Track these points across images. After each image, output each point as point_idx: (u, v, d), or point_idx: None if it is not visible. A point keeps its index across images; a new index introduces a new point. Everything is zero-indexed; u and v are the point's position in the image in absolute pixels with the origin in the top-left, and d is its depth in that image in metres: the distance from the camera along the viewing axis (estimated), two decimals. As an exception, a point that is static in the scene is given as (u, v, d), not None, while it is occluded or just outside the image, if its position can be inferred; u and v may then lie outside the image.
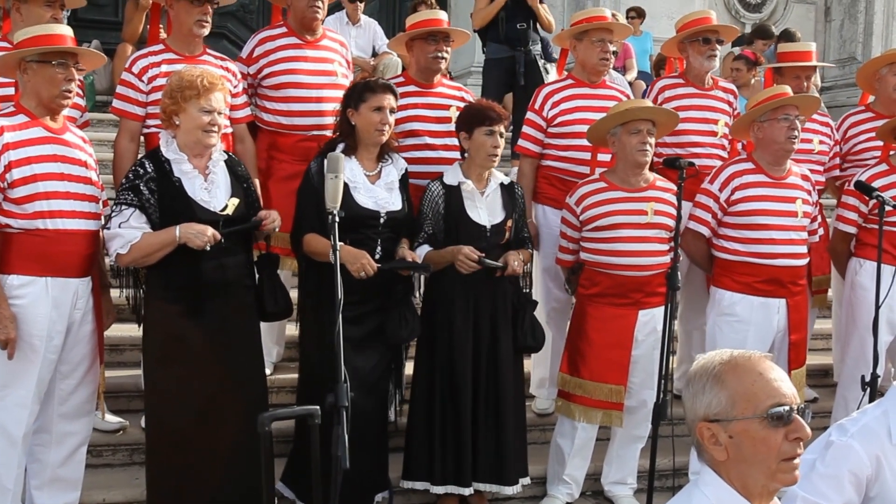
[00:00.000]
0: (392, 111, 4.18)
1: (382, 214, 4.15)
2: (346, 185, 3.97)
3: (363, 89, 4.17)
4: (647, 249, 4.50)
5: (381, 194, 4.17)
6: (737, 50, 8.89)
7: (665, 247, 4.56)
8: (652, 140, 4.51)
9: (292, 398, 4.69)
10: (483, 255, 4.23)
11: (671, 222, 4.54)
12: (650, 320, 4.56)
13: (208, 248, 3.74)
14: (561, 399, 4.68)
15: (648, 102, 4.65)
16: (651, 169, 5.43)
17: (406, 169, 4.37)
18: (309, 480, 4.08)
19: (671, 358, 4.30)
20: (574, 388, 4.61)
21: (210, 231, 3.74)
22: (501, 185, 4.48)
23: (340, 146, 4.18)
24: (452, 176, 4.42)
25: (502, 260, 4.30)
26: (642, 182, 4.57)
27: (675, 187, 4.63)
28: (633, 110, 4.52)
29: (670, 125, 4.75)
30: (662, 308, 4.54)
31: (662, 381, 4.16)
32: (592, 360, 4.55)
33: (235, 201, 3.92)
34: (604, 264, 4.54)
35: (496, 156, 4.37)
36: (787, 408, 1.97)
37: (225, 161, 4.01)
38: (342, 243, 3.96)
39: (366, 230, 4.05)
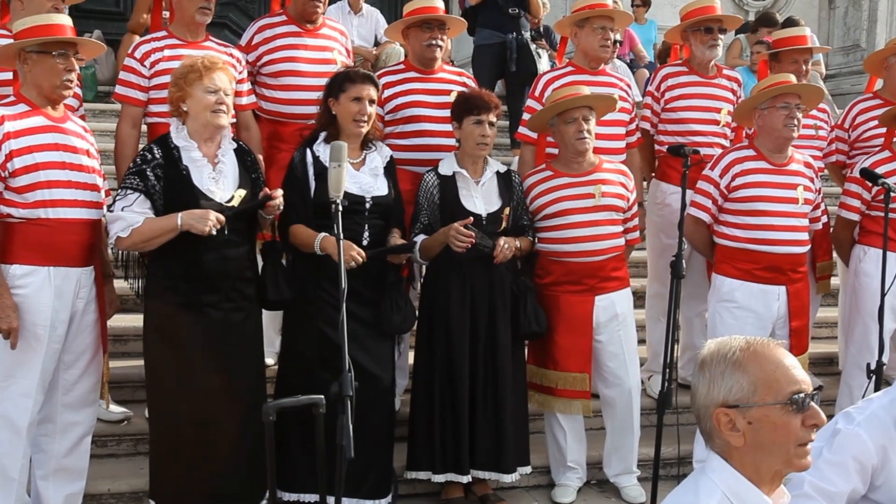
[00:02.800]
0: (372, 102, 4.18)
1: (368, 199, 4.14)
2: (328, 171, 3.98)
3: (343, 79, 4.18)
4: (597, 233, 4.53)
5: (365, 180, 4.16)
6: (741, 37, 8.86)
7: (618, 228, 4.62)
8: (590, 125, 4.51)
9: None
10: (476, 232, 4.21)
11: (621, 203, 4.60)
12: (609, 305, 4.58)
13: (214, 233, 3.72)
14: (535, 392, 4.69)
15: (585, 90, 4.65)
16: (654, 157, 5.45)
17: (391, 156, 4.36)
18: (290, 467, 4.12)
19: (675, 346, 4.30)
20: (542, 380, 4.63)
21: (213, 215, 3.73)
22: (497, 173, 4.48)
23: (322, 135, 4.19)
24: (447, 166, 4.42)
25: (494, 242, 4.28)
26: (587, 166, 4.59)
27: (624, 168, 4.71)
28: (563, 101, 4.52)
29: (608, 109, 4.72)
30: (619, 293, 4.62)
31: (667, 370, 4.16)
32: (554, 349, 4.57)
33: (242, 192, 3.91)
34: (555, 252, 4.56)
35: (485, 145, 4.37)
36: (805, 394, 2.00)
37: (235, 150, 4.00)
38: (326, 234, 3.98)
39: (352, 216, 4.02)
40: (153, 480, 3.98)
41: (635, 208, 4.75)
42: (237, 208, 3.86)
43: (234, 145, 4.03)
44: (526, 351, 4.73)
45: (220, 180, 3.89)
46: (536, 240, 4.61)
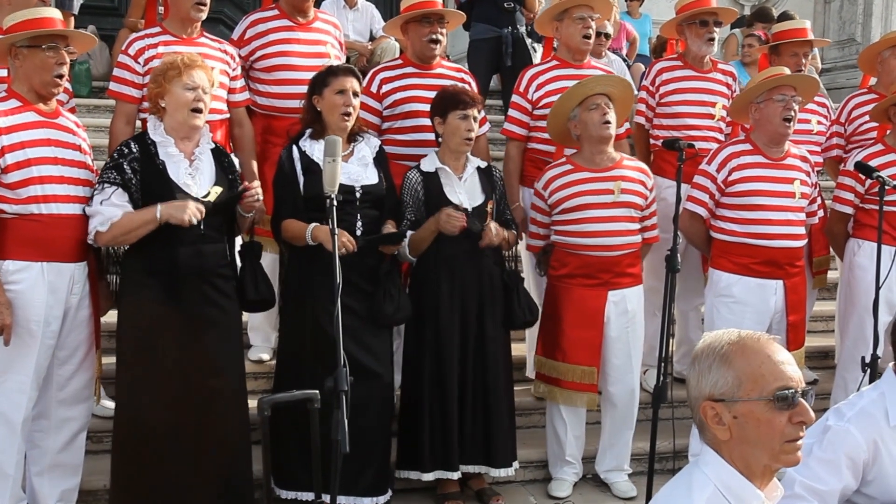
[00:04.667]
0: (356, 94, 4.19)
1: (357, 188, 4.14)
2: (317, 165, 3.99)
3: (326, 74, 4.20)
4: (614, 229, 4.53)
5: (354, 170, 4.16)
6: (737, 32, 8.85)
7: (635, 226, 4.61)
8: (612, 115, 4.50)
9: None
10: (469, 214, 4.24)
11: (640, 201, 4.59)
12: (621, 301, 4.59)
13: (194, 222, 3.72)
14: (541, 383, 4.69)
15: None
16: (649, 152, 5.45)
17: (380, 146, 4.37)
18: (287, 465, 4.10)
19: (671, 341, 4.31)
20: (549, 371, 4.64)
21: (192, 205, 3.73)
22: (478, 168, 4.49)
23: (308, 132, 4.20)
24: (429, 163, 4.42)
25: (484, 226, 4.29)
26: (608, 161, 4.58)
27: (643, 165, 4.70)
28: (586, 83, 4.54)
29: (626, 98, 4.72)
30: (632, 289, 4.63)
31: (662, 364, 4.16)
32: (564, 341, 4.58)
33: (218, 189, 3.90)
34: (572, 245, 4.57)
35: (470, 139, 4.37)
36: (792, 391, 1.98)
37: (212, 150, 4.00)
38: (316, 224, 3.98)
39: (344, 206, 3.98)
40: (116, 484, 3.91)
41: (653, 207, 4.73)
42: (215, 200, 3.85)
43: (212, 146, 4.02)
44: (521, 346, 4.74)
45: (196, 176, 3.88)
46: (553, 233, 4.64)
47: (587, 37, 5.02)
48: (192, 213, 3.72)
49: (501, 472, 4.45)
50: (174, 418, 3.81)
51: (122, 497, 3.90)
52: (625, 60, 8.76)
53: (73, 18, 7.55)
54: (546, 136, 4.95)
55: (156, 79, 3.89)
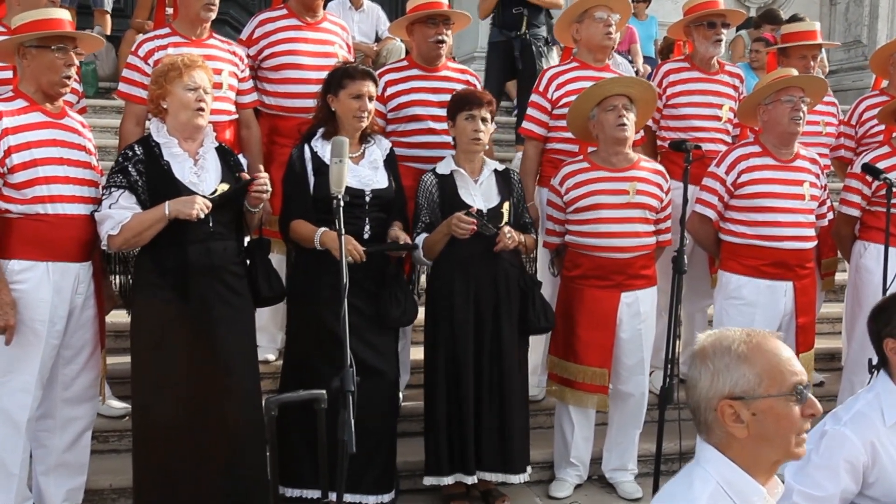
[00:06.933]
0: (371, 98, 4.18)
1: (367, 192, 4.13)
2: (328, 167, 3.98)
3: (342, 76, 4.17)
4: (628, 230, 4.51)
5: (364, 173, 4.16)
6: (743, 33, 8.84)
7: (649, 228, 4.59)
8: (631, 116, 4.49)
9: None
10: (483, 216, 4.21)
11: (655, 203, 4.57)
12: (633, 302, 4.58)
13: (202, 216, 3.72)
14: (553, 383, 4.69)
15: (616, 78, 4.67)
16: (655, 153, 5.44)
17: (391, 149, 4.36)
18: (292, 464, 4.10)
19: (677, 342, 4.30)
20: (561, 371, 4.64)
21: (200, 199, 3.73)
22: (495, 171, 4.47)
23: (320, 131, 4.19)
24: (445, 166, 4.41)
25: (498, 229, 4.26)
26: (625, 162, 4.57)
27: (661, 168, 4.67)
28: (603, 84, 4.53)
29: (649, 99, 4.71)
30: (645, 291, 4.61)
31: (669, 366, 4.16)
32: (576, 342, 4.58)
33: (225, 186, 3.89)
34: (585, 246, 4.56)
35: (478, 140, 4.34)
36: (805, 385, 2.03)
37: (217, 149, 3.99)
38: (325, 229, 3.98)
39: (352, 209, 3.98)
40: (138, 485, 3.92)
41: (669, 210, 4.71)
42: (223, 194, 3.84)
43: (216, 145, 4.01)
44: (541, 342, 4.74)
45: (201, 174, 3.88)
46: (566, 233, 4.62)
47: (609, 35, 5.01)
48: (200, 206, 3.72)
49: (518, 478, 4.43)
50: (188, 417, 3.81)
51: (142, 495, 3.91)
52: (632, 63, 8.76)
53: (108, 17, 7.59)
54: (565, 135, 4.94)
55: (156, 80, 3.89)
